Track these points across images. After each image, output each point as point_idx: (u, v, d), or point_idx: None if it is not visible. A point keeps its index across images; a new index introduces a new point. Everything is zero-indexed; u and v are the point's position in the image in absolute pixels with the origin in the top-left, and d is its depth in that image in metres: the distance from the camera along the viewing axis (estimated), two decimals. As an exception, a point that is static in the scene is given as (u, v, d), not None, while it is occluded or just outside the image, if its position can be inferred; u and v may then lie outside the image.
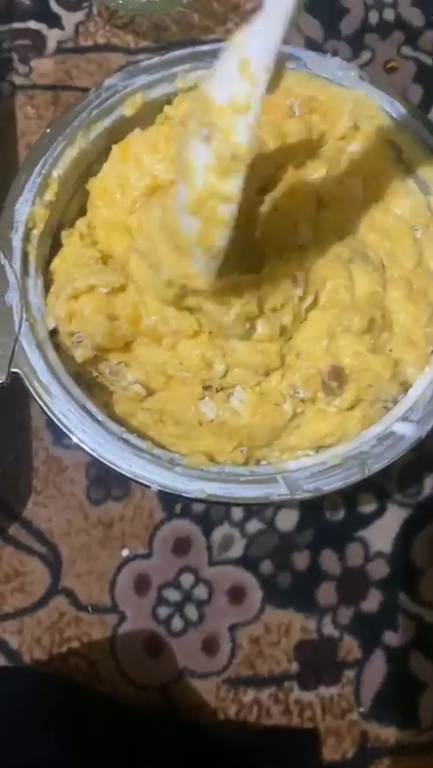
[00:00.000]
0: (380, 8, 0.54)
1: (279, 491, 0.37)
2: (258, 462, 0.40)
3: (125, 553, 0.44)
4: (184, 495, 0.37)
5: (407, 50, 0.53)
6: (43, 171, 0.41)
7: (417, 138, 0.42)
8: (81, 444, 0.37)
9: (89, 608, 0.44)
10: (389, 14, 0.54)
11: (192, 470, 0.38)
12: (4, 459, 0.45)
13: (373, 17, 0.54)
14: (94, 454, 0.37)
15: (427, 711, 0.43)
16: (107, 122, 0.43)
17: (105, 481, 0.45)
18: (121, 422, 0.39)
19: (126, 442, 0.38)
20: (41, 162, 0.42)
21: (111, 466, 0.37)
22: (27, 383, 0.38)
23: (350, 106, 0.43)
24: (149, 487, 0.37)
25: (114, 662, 0.43)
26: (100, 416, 0.38)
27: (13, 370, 0.38)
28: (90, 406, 0.38)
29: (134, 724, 0.41)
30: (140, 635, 0.44)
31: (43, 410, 0.38)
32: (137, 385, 0.40)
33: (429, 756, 0.43)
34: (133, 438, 0.38)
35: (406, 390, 0.40)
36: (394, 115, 0.43)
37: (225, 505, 0.44)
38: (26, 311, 0.39)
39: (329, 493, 0.38)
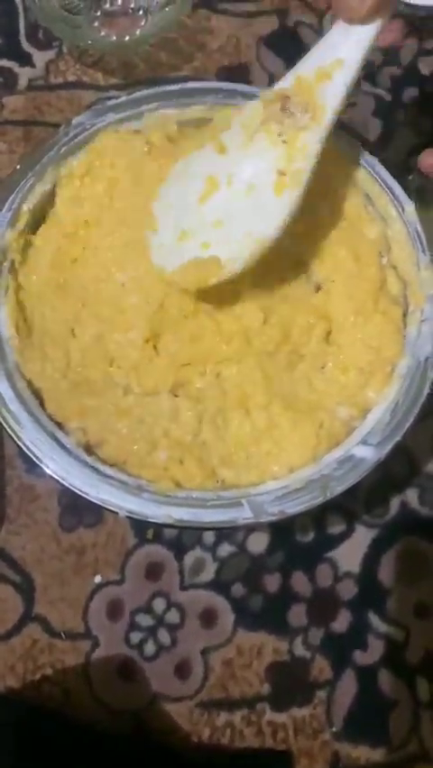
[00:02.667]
0: (340, 46, 0.56)
1: (244, 515, 0.38)
2: (225, 487, 0.40)
3: (98, 579, 0.45)
4: (151, 520, 0.38)
5: (366, 86, 0.56)
6: (14, 206, 0.43)
7: (372, 173, 0.44)
8: (49, 472, 0.38)
9: (62, 635, 0.44)
10: (348, 52, 0.56)
11: (159, 495, 0.38)
12: (-24, 488, 0.46)
13: (334, 55, 0.56)
14: (63, 482, 0.38)
15: (397, 729, 0.44)
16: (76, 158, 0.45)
17: (78, 509, 0.46)
18: (90, 449, 0.40)
19: (94, 469, 0.38)
20: (11, 197, 0.43)
21: (79, 493, 0.38)
22: None
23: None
24: (117, 513, 0.38)
25: (87, 687, 0.43)
26: (69, 444, 0.39)
27: None
28: (59, 434, 0.39)
29: (109, 749, 0.41)
30: (113, 660, 0.44)
31: (12, 439, 0.39)
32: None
33: (401, 774, 0.43)
34: (100, 465, 0.39)
35: (365, 415, 0.41)
36: (351, 152, 0.45)
37: (193, 529, 0.45)
38: None
39: (295, 515, 0.39)
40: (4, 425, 0.39)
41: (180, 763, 0.42)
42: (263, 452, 0.41)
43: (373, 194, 0.45)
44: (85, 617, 0.44)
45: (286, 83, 0.39)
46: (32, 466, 0.46)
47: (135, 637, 0.44)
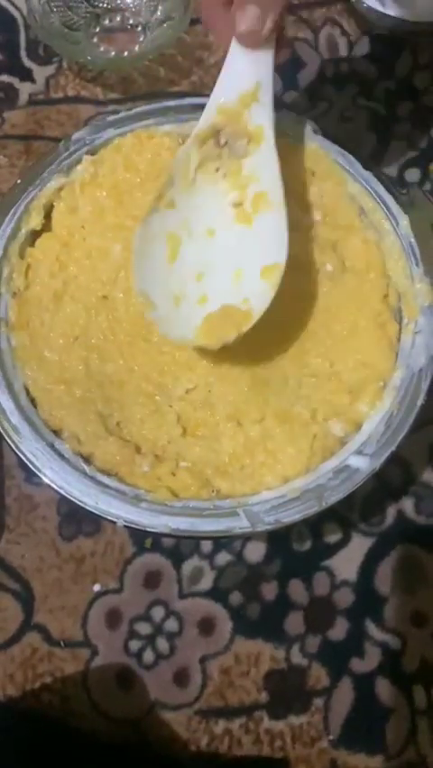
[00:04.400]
0: (335, 61, 0.57)
1: (240, 524, 0.39)
2: (220, 497, 0.41)
3: (97, 587, 0.45)
4: (149, 530, 0.38)
5: (361, 101, 0.56)
6: (14, 219, 0.43)
7: (367, 187, 0.45)
8: (48, 482, 0.39)
9: (62, 644, 0.45)
10: (344, 67, 0.57)
11: (156, 505, 0.39)
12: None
13: (329, 70, 0.57)
14: (61, 492, 0.39)
15: (394, 737, 0.44)
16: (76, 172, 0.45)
17: (77, 518, 0.46)
18: (87, 457, 0.41)
19: (93, 479, 0.39)
20: (11, 211, 0.43)
21: (78, 503, 0.38)
22: None
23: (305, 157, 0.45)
24: (115, 522, 0.38)
25: (86, 696, 0.44)
26: (68, 454, 0.40)
27: None
28: (59, 444, 0.40)
29: (107, 757, 0.41)
30: (112, 668, 0.44)
31: (11, 449, 0.39)
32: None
33: (398, 782, 0.43)
34: (98, 474, 0.39)
35: (358, 428, 0.42)
36: (345, 165, 0.45)
37: (190, 539, 0.45)
38: None
39: (290, 524, 0.39)
40: (4, 434, 0.39)
41: (179, 772, 0.43)
42: (258, 463, 0.41)
43: (368, 208, 0.45)
44: (84, 625, 0.45)
45: (209, 119, 0.40)
46: (30, 475, 0.46)
47: (134, 646, 0.45)
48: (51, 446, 0.39)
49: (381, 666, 0.45)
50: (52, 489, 0.39)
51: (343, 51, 0.58)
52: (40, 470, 0.39)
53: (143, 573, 0.46)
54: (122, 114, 0.46)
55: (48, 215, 0.45)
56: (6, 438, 0.39)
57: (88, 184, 0.45)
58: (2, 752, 0.38)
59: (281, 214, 0.39)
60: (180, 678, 0.44)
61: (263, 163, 0.39)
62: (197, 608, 0.45)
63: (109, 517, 0.38)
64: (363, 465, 0.40)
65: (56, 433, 0.41)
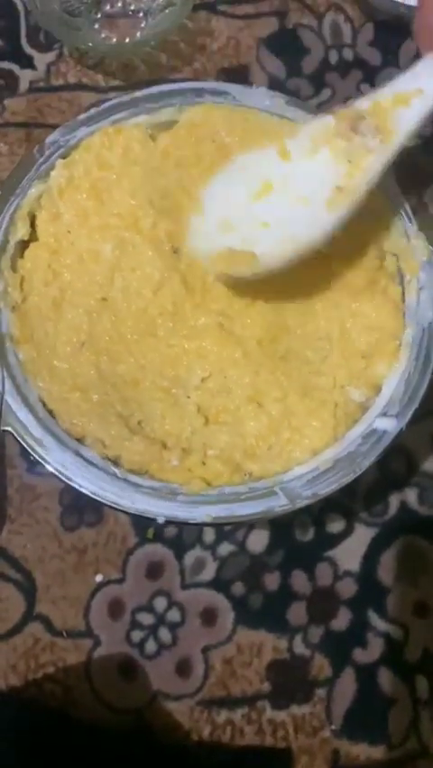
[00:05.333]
0: (339, 48, 0.57)
1: (280, 503, 0.39)
2: (254, 479, 0.41)
3: (99, 578, 0.45)
4: (191, 522, 0.39)
5: (365, 88, 0.56)
6: (0, 234, 0.43)
7: None
8: (82, 490, 0.39)
9: (64, 634, 0.44)
10: (348, 54, 0.57)
11: (193, 496, 0.39)
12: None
13: (333, 56, 0.57)
14: (96, 498, 0.39)
15: (396, 727, 0.44)
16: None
17: (79, 508, 0.46)
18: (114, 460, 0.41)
19: (125, 480, 0.39)
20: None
21: (115, 507, 0.39)
22: (19, 440, 0.39)
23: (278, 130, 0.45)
24: (154, 519, 0.39)
25: (89, 686, 0.44)
26: (96, 460, 0.40)
27: (3, 428, 0.39)
28: (84, 451, 0.40)
29: (109, 747, 0.42)
30: (114, 658, 0.44)
31: (39, 462, 0.39)
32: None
33: (400, 772, 0.44)
34: (130, 476, 0.40)
35: (378, 392, 0.42)
36: None
37: (231, 525, 0.45)
38: (7, 369, 0.40)
39: (328, 495, 0.40)
40: (30, 450, 0.39)
41: (181, 761, 0.43)
42: (284, 440, 0.41)
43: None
44: (86, 615, 0.45)
45: (362, 104, 0.39)
46: (32, 465, 0.46)
47: (136, 636, 0.45)
48: (78, 454, 0.39)
49: (383, 656, 0.45)
50: (88, 497, 0.39)
51: (347, 38, 0.57)
52: (72, 480, 0.39)
53: (146, 564, 0.46)
54: (92, 112, 0.46)
55: (33, 224, 0.44)
56: (32, 452, 0.39)
57: (66, 188, 0.44)
58: (3, 743, 0.38)
59: (350, 212, 0.40)
60: (183, 668, 0.44)
61: (376, 166, 0.39)
62: (199, 599, 0.45)
63: (149, 516, 0.38)
64: (390, 426, 0.41)
65: (79, 440, 0.41)
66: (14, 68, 0.55)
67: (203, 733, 0.44)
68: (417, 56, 0.56)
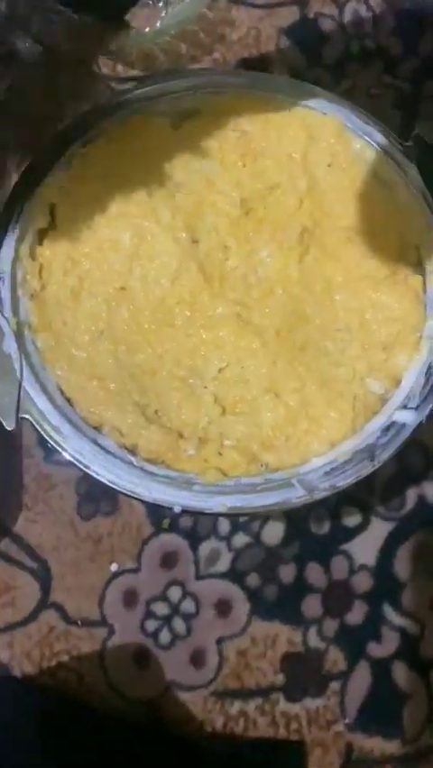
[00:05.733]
0: (360, 38, 0.56)
1: (297, 494, 0.39)
2: (270, 470, 0.41)
3: (114, 567, 0.45)
4: (207, 512, 0.38)
5: (387, 78, 0.55)
6: (20, 222, 0.42)
7: (371, 142, 0.45)
8: (99, 478, 0.39)
9: (78, 622, 0.45)
10: (369, 44, 0.56)
11: (209, 486, 0.39)
12: (-5, 475, 0.46)
13: (354, 46, 0.56)
14: (113, 486, 0.39)
15: (410, 722, 0.44)
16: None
17: (95, 497, 0.46)
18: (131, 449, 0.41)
19: (141, 469, 0.39)
20: (16, 212, 0.42)
21: (131, 495, 0.39)
22: (37, 427, 0.39)
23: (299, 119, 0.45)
24: (170, 508, 0.39)
25: (102, 675, 0.44)
26: (113, 448, 0.40)
27: (21, 415, 0.39)
28: (102, 439, 0.40)
29: (122, 736, 0.42)
30: (128, 648, 0.44)
31: (57, 449, 0.39)
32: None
33: (414, 766, 0.43)
34: (147, 465, 0.40)
35: (398, 383, 0.42)
36: (347, 122, 0.45)
37: (247, 515, 0.45)
38: (25, 357, 0.40)
39: (346, 487, 0.39)
40: (47, 437, 0.39)
41: (194, 752, 0.43)
42: (301, 431, 0.41)
43: (375, 162, 0.45)
44: (101, 604, 0.45)
45: None
46: (49, 455, 0.46)
47: (151, 626, 0.45)
48: (95, 442, 0.39)
49: (398, 651, 0.45)
50: (104, 485, 0.39)
51: (368, 27, 0.57)
52: (89, 468, 0.39)
53: (161, 554, 0.46)
54: (112, 101, 0.45)
55: (52, 213, 0.44)
56: (49, 440, 0.39)
57: (86, 177, 0.44)
58: (26, 731, 0.38)
59: None
60: (197, 659, 0.44)
61: None
62: (214, 590, 0.45)
63: (165, 505, 0.38)
64: (410, 419, 0.40)
65: (96, 429, 0.41)
66: (34, 57, 0.55)
67: (216, 724, 0.44)
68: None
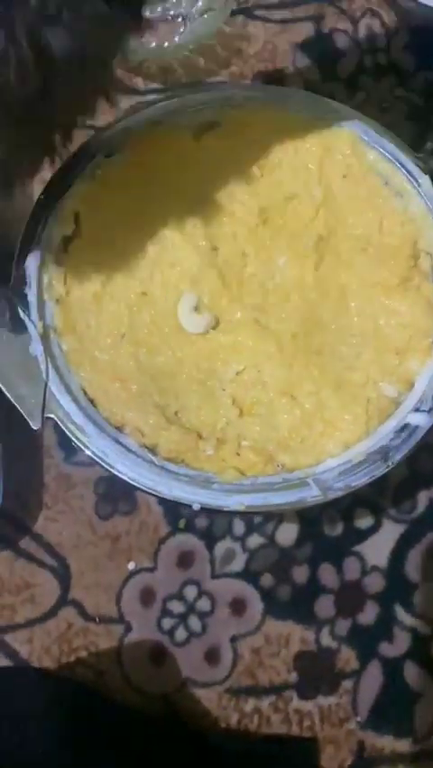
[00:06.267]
0: (374, 52, 0.58)
1: (312, 493, 0.40)
2: (286, 470, 0.42)
3: (131, 566, 0.46)
4: (225, 509, 0.40)
5: (400, 91, 0.57)
6: (46, 229, 0.44)
7: (385, 153, 0.46)
8: (122, 476, 0.41)
9: (97, 619, 0.46)
10: (382, 58, 0.58)
11: (227, 485, 0.40)
12: (17, 476, 0.47)
13: (368, 61, 0.57)
14: (135, 484, 0.40)
15: (422, 721, 0.45)
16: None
17: (113, 497, 0.47)
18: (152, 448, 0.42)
19: (162, 468, 0.41)
20: (42, 221, 0.44)
21: (152, 493, 0.40)
22: (63, 426, 0.41)
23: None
24: (188, 507, 0.40)
25: (119, 671, 0.45)
26: (134, 448, 0.41)
27: (46, 415, 0.41)
28: (124, 439, 0.41)
29: (139, 730, 0.43)
30: (145, 645, 0.45)
31: (80, 448, 0.41)
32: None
33: (425, 765, 0.44)
34: (167, 464, 0.41)
35: (411, 387, 0.43)
36: (361, 134, 0.47)
37: (264, 514, 0.46)
38: (51, 359, 0.42)
39: (360, 487, 0.41)
40: (72, 436, 0.41)
41: (208, 747, 0.44)
42: (317, 433, 0.42)
43: (388, 173, 0.46)
44: (118, 602, 0.46)
45: None
46: (69, 455, 0.48)
47: (167, 623, 0.46)
48: (117, 442, 0.41)
49: (410, 651, 0.46)
50: (128, 483, 0.40)
51: (381, 42, 0.58)
52: (112, 467, 0.40)
53: (177, 553, 0.47)
54: (134, 113, 0.47)
55: (77, 221, 0.46)
56: (74, 439, 0.41)
57: (109, 186, 0.46)
58: (40, 718, 0.39)
59: None
60: (211, 656, 0.45)
61: None
62: (228, 589, 0.46)
63: (185, 503, 0.40)
64: (423, 421, 0.42)
65: (119, 429, 0.42)
66: (57, 70, 0.57)
67: (230, 720, 0.44)
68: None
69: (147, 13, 0.57)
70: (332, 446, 0.42)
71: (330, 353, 0.44)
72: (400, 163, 0.45)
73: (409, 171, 0.45)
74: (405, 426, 0.42)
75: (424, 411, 0.42)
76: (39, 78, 0.33)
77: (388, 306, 0.44)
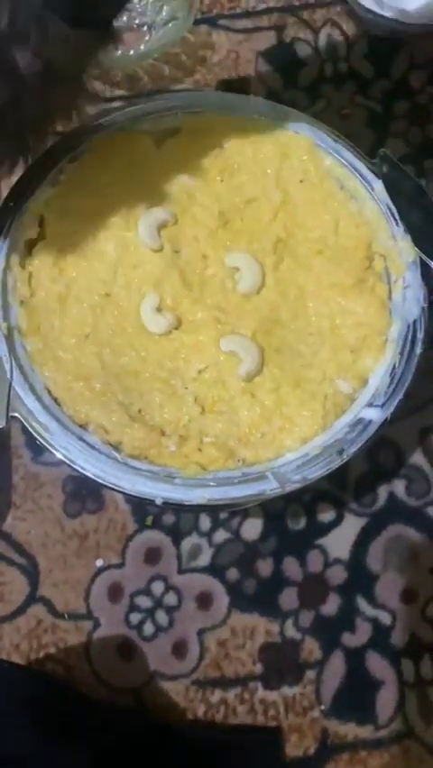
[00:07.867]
0: (334, 61, 0.59)
1: (270, 486, 0.42)
2: (247, 465, 0.43)
3: (100, 563, 0.47)
4: (186, 503, 0.41)
5: (359, 99, 0.58)
6: (10, 233, 0.45)
7: (340, 159, 0.48)
8: (85, 473, 0.41)
9: (65, 616, 0.46)
10: (342, 66, 0.59)
11: (189, 480, 0.42)
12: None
13: (328, 69, 0.59)
14: (98, 480, 0.41)
15: (383, 708, 0.46)
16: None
17: (81, 496, 0.48)
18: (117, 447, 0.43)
19: (126, 464, 0.42)
20: (7, 224, 0.45)
21: (116, 489, 0.41)
22: (26, 425, 0.42)
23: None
24: (153, 501, 0.41)
25: (89, 666, 0.46)
26: (98, 445, 0.42)
27: (11, 413, 0.42)
28: (88, 437, 0.42)
29: (109, 723, 0.43)
30: (113, 640, 0.46)
31: (44, 447, 0.42)
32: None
33: (386, 751, 0.45)
34: (131, 460, 0.42)
35: (365, 384, 0.45)
36: (317, 141, 0.48)
37: (225, 508, 0.46)
38: (15, 359, 0.43)
39: (316, 480, 0.42)
40: (35, 434, 0.42)
41: (176, 738, 0.44)
42: (276, 428, 0.44)
43: (343, 177, 0.48)
44: (87, 598, 0.47)
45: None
46: (37, 455, 0.48)
47: (135, 618, 0.46)
48: (81, 439, 0.42)
49: (371, 640, 0.47)
50: (90, 479, 0.41)
51: (342, 51, 0.60)
52: (75, 463, 0.41)
53: (144, 549, 0.48)
54: (99, 119, 0.48)
55: (41, 224, 0.47)
56: (37, 437, 0.42)
57: (72, 190, 0.47)
58: (18, 715, 0.40)
59: None
60: (179, 649, 0.46)
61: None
62: (195, 583, 0.47)
63: (148, 497, 0.41)
64: (376, 416, 0.43)
65: (82, 427, 0.43)
66: (24, 77, 0.58)
67: (198, 712, 0.45)
68: (409, 68, 0.58)
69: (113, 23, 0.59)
70: (290, 441, 0.43)
71: (289, 352, 0.45)
72: (355, 168, 0.47)
73: (363, 176, 0.47)
74: (359, 421, 0.43)
75: (377, 406, 0.43)
76: (7, 94, 0.34)
77: (344, 306, 0.45)
